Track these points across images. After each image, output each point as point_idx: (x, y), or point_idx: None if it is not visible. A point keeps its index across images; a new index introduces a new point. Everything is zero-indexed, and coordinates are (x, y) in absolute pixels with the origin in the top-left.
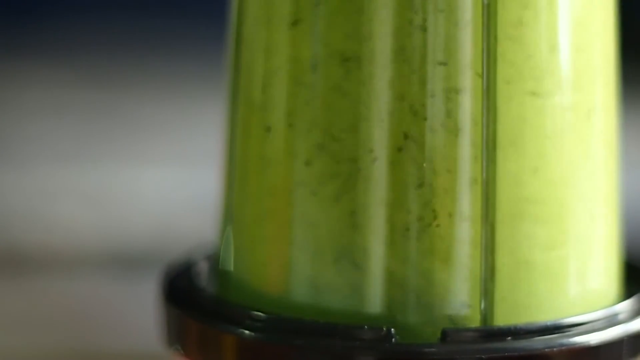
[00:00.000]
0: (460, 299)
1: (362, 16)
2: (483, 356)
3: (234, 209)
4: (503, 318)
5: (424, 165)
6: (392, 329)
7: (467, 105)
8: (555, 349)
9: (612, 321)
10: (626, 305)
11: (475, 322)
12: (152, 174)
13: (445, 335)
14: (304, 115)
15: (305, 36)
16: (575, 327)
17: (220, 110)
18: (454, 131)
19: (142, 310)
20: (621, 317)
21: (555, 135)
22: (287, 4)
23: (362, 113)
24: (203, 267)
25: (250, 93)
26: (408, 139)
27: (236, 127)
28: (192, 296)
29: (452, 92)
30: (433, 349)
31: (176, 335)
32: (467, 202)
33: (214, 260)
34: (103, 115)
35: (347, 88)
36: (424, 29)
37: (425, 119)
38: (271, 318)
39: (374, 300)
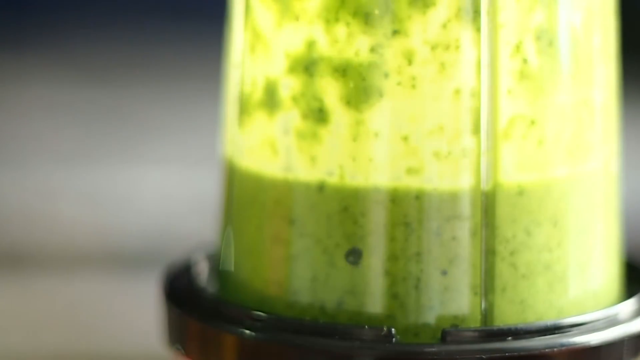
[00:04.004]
0: (460, 299)
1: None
2: (483, 356)
3: (234, 209)
4: (503, 318)
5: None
6: (393, 329)
7: (468, 105)
8: (555, 349)
9: (612, 321)
10: (626, 305)
11: (475, 322)
12: (152, 174)
13: (445, 335)
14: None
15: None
16: (576, 327)
17: (220, 111)
18: (456, 135)
19: (142, 310)
20: (621, 317)
21: (555, 135)
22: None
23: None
24: (203, 267)
25: (248, 91)
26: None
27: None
28: (193, 296)
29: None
30: (433, 349)
31: (177, 335)
32: (467, 204)
33: (214, 260)
34: (103, 115)
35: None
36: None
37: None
38: (271, 318)
39: (374, 301)
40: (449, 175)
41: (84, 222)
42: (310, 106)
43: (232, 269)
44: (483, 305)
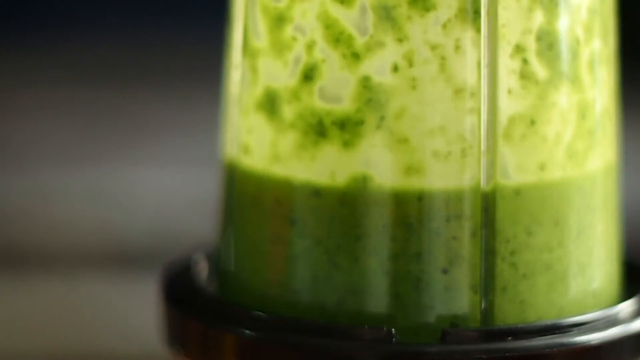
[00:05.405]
0: (460, 299)
1: None
2: (483, 356)
3: (234, 209)
4: (503, 318)
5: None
6: (393, 329)
7: (468, 105)
8: (555, 349)
9: (612, 321)
10: (626, 305)
11: (475, 322)
12: (152, 174)
13: (445, 336)
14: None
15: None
16: (575, 327)
17: (220, 111)
18: (456, 135)
19: (142, 310)
20: (621, 317)
21: (555, 135)
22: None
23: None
24: (203, 267)
25: (248, 93)
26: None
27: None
28: (192, 296)
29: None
30: (433, 349)
31: (176, 335)
32: (467, 204)
33: (214, 260)
34: (103, 115)
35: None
36: None
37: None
38: (271, 318)
39: (375, 300)
40: (449, 176)
41: (84, 222)
42: (309, 116)
43: (232, 268)
44: (483, 305)
